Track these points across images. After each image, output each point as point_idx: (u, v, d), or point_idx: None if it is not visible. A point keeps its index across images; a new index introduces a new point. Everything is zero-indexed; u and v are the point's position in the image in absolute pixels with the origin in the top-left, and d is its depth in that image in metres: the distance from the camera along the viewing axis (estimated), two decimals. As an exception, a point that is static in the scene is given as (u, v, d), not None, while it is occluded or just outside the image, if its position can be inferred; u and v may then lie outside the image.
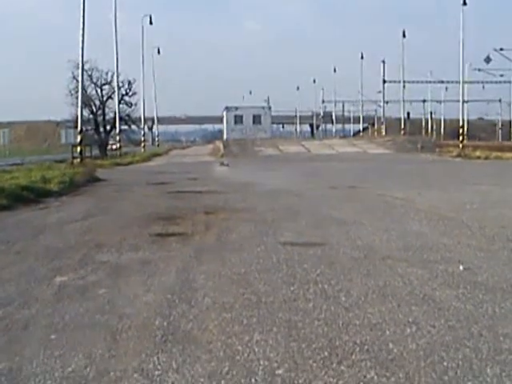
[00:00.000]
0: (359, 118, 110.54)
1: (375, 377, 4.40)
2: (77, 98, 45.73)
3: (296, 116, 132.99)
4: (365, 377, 4.40)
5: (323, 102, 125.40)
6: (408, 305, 6.20)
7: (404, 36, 74.44)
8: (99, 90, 68.45)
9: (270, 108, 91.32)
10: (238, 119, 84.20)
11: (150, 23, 70.56)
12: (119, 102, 62.55)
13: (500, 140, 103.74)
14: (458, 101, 58.00)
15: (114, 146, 60.21)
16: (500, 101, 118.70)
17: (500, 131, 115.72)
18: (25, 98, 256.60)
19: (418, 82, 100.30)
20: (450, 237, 10.03)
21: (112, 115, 65.66)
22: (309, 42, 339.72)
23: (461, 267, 7.76)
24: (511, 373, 4.42)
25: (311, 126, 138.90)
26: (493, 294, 6.58)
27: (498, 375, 4.38)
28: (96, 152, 57.34)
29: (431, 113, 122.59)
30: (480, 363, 4.61)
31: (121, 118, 61.21)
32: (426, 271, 7.62)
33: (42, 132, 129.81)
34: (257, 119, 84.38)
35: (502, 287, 6.84)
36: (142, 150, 68.64)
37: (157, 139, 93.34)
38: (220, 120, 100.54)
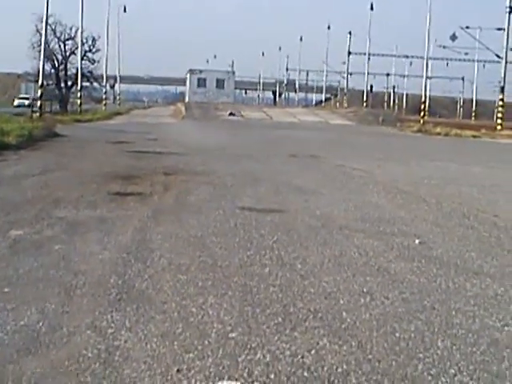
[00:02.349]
0: (322, 88, 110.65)
1: (327, 344, 4.42)
2: (39, 51, 45.05)
3: (259, 82, 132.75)
4: (317, 344, 4.42)
5: (287, 69, 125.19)
6: (363, 275, 6.24)
7: (372, 9, 74.46)
8: (62, 45, 67.68)
9: (233, 73, 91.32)
10: (202, 82, 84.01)
11: (117, -21, 69.80)
12: (82, 58, 61.93)
13: (461, 118, 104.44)
14: (422, 76, 58.42)
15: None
16: (463, 79, 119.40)
17: (461, 109, 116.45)
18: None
19: (382, 55, 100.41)
20: (407, 210, 10.11)
21: (74, 71, 65.01)
22: (276, 9, 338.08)
23: (416, 241, 7.82)
24: (461, 346, 4.48)
25: (274, 93, 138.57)
26: (447, 268, 6.64)
27: (448, 348, 4.43)
28: (56, 107, 56.76)
29: (394, 87, 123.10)
30: (432, 336, 4.65)
31: (83, 75, 60.62)
32: (381, 243, 7.67)
33: (2, 84, 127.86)
34: (220, 83, 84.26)
35: (455, 262, 6.91)
36: (103, 107, 68.09)
37: (118, 98, 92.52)
38: (183, 82, 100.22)
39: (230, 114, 52.35)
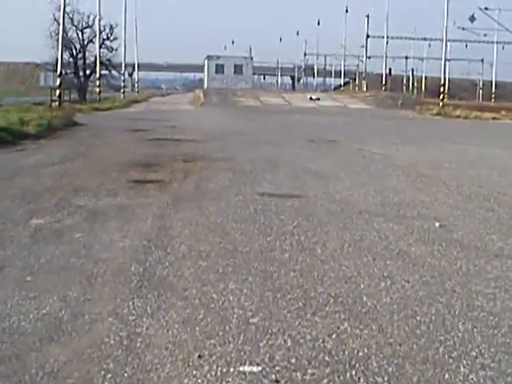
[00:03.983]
0: (341, 72, 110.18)
1: (348, 328, 4.43)
2: (57, 40, 45.07)
3: (278, 68, 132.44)
4: (338, 328, 4.43)
5: (305, 54, 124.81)
6: (383, 259, 6.24)
7: (389, -9, 74.11)
8: (80, 34, 67.53)
9: (251, 58, 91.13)
10: (220, 69, 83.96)
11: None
12: (100, 47, 61.93)
13: (480, 100, 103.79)
14: (441, 59, 57.90)
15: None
16: (482, 61, 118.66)
17: (481, 91, 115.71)
18: (4, 39, 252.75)
19: (401, 38, 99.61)
20: (427, 194, 10.08)
21: (92, 59, 65.02)
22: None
23: (437, 224, 7.80)
24: (483, 329, 4.47)
25: (292, 78, 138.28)
26: (467, 251, 6.63)
27: (469, 331, 4.43)
28: (75, 96, 56.84)
29: (413, 70, 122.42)
30: (452, 319, 4.65)
31: (101, 63, 60.67)
32: (402, 227, 7.66)
33: (21, 74, 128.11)
34: (238, 69, 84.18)
35: (476, 245, 6.90)
36: (122, 95, 68.11)
37: (137, 85, 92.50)
38: (201, 69, 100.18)
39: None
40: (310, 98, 56.77)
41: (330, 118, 37.55)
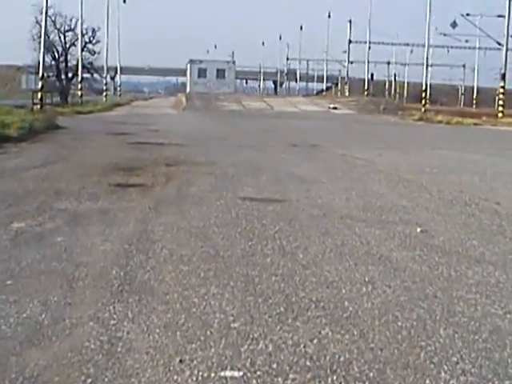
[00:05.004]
0: (323, 77, 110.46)
1: (330, 333, 4.43)
2: (39, 43, 44.91)
3: (260, 72, 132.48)
4: (319, 333, 4.43)
5: (288, 59, 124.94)
6: (365, 264, 6.24)
7: (372, -3, 74.25)
8: (62, 37, 67.47)
9: (234, 63, 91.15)
10: (202, 73, 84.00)
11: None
12: (82, 50, 61.90)
13: (462, 105, 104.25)
14: (423, 64, 58.12)
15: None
16: (464, 66, 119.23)
17: (462, 97, 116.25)
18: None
19: (383, 43, 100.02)
20: (408, 199, 10.10)
21: (74, 62, 64.94)
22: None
23: (418, 229, 7.82)
24: (464, 334, 4.48)
25: (275, 82, 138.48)
26: (449, 256, 6.64)
27: (450, 336, 4.44)
28: (57, 99, 56.67)
29: (395, 75, 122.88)
30: (434, 324, 4.66)
31: (83, 66, 60.60)
32: (383, 232, 7.67)
33: (2, 76, 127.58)
34: (221, 73, 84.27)
35: (457, 251, 6.91)
36: (104, 99, 67.97)
37: (119, 89, 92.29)
38: (183, 73, 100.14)
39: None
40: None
41: (313, 122, 37.64)
